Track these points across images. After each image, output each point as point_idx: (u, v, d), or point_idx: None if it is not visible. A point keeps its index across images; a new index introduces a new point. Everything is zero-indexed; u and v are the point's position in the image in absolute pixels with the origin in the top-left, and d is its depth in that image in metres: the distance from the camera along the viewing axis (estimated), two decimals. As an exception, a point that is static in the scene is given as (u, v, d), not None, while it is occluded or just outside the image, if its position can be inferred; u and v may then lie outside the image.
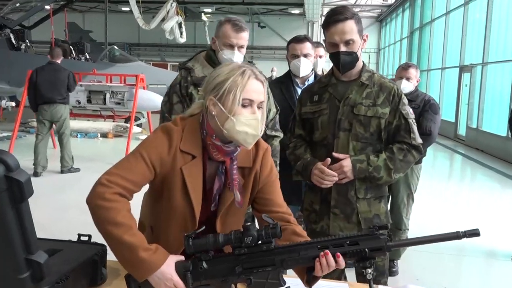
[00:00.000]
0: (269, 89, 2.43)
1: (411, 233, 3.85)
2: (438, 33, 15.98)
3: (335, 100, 2.13)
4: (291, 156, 2.27)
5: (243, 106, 1.43)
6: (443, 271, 4.08)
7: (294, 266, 1.37)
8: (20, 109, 8.17)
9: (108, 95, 8.67)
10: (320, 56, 3.65)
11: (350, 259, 1.35)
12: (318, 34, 27.03)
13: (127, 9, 26.69)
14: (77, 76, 9.13)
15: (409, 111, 2.14)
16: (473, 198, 6.98)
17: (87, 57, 12.72)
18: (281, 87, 3.03)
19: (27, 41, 12.17)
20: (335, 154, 2.07)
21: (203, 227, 1.37)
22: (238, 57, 2.41)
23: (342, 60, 2.05)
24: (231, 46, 2.40)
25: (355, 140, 2.10)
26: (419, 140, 2.14)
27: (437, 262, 4.17)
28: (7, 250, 1.07)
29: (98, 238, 1.61)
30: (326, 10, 25.63)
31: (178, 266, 1.36)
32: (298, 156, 2.22)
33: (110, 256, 1.54)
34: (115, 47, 13.20)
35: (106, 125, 11.23)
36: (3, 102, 10.80)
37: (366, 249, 1.31)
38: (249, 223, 1.33)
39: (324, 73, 4.10)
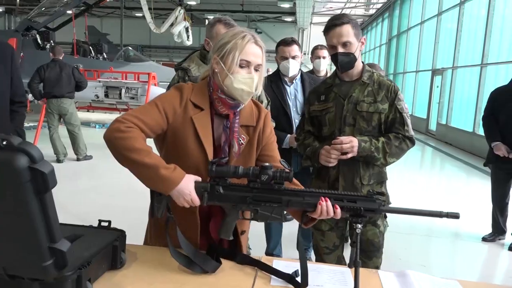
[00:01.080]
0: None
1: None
2: (414, 40, 15.87)
3: (340, 98, 2.12)
4: (301, 146, 2.25)
5: (241, 66, 1.44)
6: (419, 251, 4.03)
7: (297, 208, 1.39)
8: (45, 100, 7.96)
9: (123, 91, 8.52)
10: (324, 57, 3.61)
11: (346, 213, 1.37)
12: (308, 40, 26.88)
13: (140, 14, 26.42)
14: (95, 73, 9.00)
15: (403, 106, 2.12)
16: (442, 185, 6.94)
17: (105, 56, 12.51)
18: (272, 84, 2.97)
19: (51, 41, 11.93)
20: (339, 138, 2.03)
21: (227, 157, 1.45)
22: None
23: (340, 60, 2.03)
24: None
25: (359, 133, 2.07)
26: (411, 132, 2.13)
27: (412, 243, 4.12)
28: (31, 239, 0.97)
29: (117, 223, 1.52)
30: (315, 18, 25.50)
31: (198, 186, 1.36)
32: (307, 145, 2.20)
33: (129, 241, 1.46)
34: (130, 48, 13.01)
35: (121, 117, 11.06)
36: (30, 95, 10.60)
37: (362, 208, 1.35)
38: (267, 164, 1.35)
39: (328, 72, 4.09)
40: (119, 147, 1.33)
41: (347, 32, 2.00)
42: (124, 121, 1.35)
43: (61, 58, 6.69)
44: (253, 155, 1.56)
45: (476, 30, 10.52)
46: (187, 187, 1.34)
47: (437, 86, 12.67)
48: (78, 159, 6.86)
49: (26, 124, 9.99)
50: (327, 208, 1.34)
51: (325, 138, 2.16)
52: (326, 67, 3.75)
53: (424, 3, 14.66)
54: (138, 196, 2.88)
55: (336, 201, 1.36)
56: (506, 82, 4.16)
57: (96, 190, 5.34)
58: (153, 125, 1.41)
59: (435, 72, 12.95)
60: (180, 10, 15.60)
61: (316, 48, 3.68)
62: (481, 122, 4.31)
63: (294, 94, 2.95)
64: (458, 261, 3.91)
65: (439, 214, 1.36)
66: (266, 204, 1.37)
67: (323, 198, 1.35)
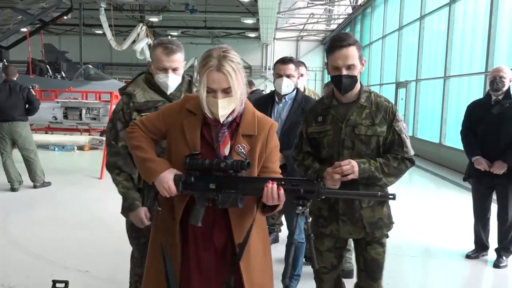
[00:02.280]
0: None
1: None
2: (376, 54, 16.16)
3: (338, 121, 2.09)
4: (300, 167, 2.23)
5: (208, 92, 1.59)
6: (404, 271, 3.87)
7: (250, 194, 1.59)
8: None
9: (84, 111, 8.05)
10: (302, 75, 3.66)
11: (290, 196, 1.54)
12: (271, 55, 27.02)
13: (100, 32, 25.72)
14: (53, 94, 8.50)
15: (402, 127, 2.10)
16: (411, 196, 6.87)
17: (63, 75, 11.93)
18: (267, 100, 3.06)
19: (4, 60, 11.28)
20: (337, 163, 2.02)
21: (199, 152, 1.63)
22: (172, 79, 2.17)
23: (344, 83, 2.01)
24: (165, 70, 2.14)
25: (357, 157, 2.04)
26: (411, 153, 2.10)
27: (396, 264, 3.95)
28: None
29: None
30: (278, 33, 25.70)
31: (176, 177, 1.61)
32: (307, 166, 2.17)
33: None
34: (90, 66, 12.52)
35: (82, 139, 10.50)
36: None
37: (302, 189, 1.53)
38: (228, 155, 1.61)
39: (305, 90, 4.05)
40: (128, 144, 1.75)
41: (353, 54, 1.98)
42: (132, 124, 1.76)
43: (14, 78, 6.22)
44: (254, 164, 1.65)
45: (437, 44, 10.78)
46: (166, 177, 1.60)
47: (402, 99, 12.86)
48: (35, 187, 6.29)
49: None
50: (271, 191, 1.52)
51: (324, 160, 2.13)
52: (303, 84, 3.82)
53: (385, 18, 14.99)
54: (100, 226, 2.59)
55: (280, 184, 1.54)
56: (469, 94, 4.14)
57: (54, 221, 4.89)
58: (152, 128, 1.71)
59: (399, 85, 13.16)
60: (142, 26, 15.27)
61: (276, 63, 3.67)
62: (447, 134, 4.26)
63: (280, 112, 2.92)
64: (443, 280, 3.75)
65: (375, 195, 1.76)
66: (226, 191, 1.58)
67: (270, 182, 1.53)
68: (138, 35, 15.11)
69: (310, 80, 27.58)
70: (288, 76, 2.87)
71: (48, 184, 6.41)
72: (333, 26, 24.23)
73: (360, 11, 18.29)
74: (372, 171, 2.00)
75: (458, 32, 9.67)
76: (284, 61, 2.92)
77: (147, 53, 15.80)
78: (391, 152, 2.07)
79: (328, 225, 2.15)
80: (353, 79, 2.01)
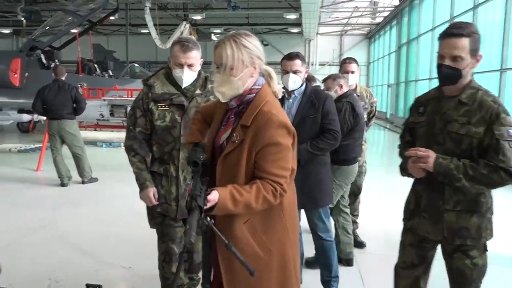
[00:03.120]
0: None
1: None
2: (425, 47, 15.48)
3: (434, 114, 1.99)
4: (401, 156, 2.15)
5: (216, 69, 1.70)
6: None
7: None
8: (47, 122, 7.69)
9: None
10: (353, 72, 3.80)
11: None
12: (314, 51, 26.63)
13: (146, 31, 26.40)
14: (100, 92, 8.73)
15: (505, 133, 1.84)
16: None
17: (110, 74, 12.27)
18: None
19: (56, 60, 11.74)
20: (415, 148, 1.94)
21: (198, 141, 1.79)
22: (187, 75, 2.36)
23: (443, 73, 1.89)
24: (181, 65, 2.34)
25: (446, 154, 1.91)
26: (510, 164, 1.83)
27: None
28: None
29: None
30: (321, 28, 25.27)
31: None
32: (404, 157, 2.10)
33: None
34: (135, 64, 12.79)
35: (128, 135, 10.80)
36: (35, 116, 10.38)
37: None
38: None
39: (357, 87, 4.00)
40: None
41: (462, 46, 1.84)
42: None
43: (63, 78, 6.44)
44: (243, 156, 1.60)
45: (492, 35, 10.14)
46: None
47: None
48: (83, 182, 6.51)
49: (31, 146, 9.76)
50: None
51: None
52: (355, 81, 3.85)
53: (434, 9, 14.32)
54: (145, 223, 2.63)
55: None
56: None
57: (100, 217, 4.99)
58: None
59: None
60: (185, 24, 15.51)
61: (344, 62, 3.88)
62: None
63: (290, 108, 2.89)
64: None
65: None
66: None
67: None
68: (182, 33, 15.34)
69: (355, 75, 27.00)
70: (295, 72, 2.85)
71: (95, 180, 6.60)
72: (379, 20, 23.51)
73: (407, 3, 17.59)
74: (450, 168, 1.84)
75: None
76: (290, 57, 2.90)
77: (190, 50, 16.04)
78: (486, 157, 1.86)
79: (411, 218, 2.11)
80: (456, 72, 1.85)
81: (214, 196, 1.51)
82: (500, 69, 9.30)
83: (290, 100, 2.92)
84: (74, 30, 12.66)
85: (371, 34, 26.51)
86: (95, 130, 11.54)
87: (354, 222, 4.08)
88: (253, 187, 1.57)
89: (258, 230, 1.65)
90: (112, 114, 8.42)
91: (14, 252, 3.88)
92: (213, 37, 24.65)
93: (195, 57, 2.35)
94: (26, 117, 10.28)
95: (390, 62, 21.42)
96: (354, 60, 3.93)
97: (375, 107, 4.22)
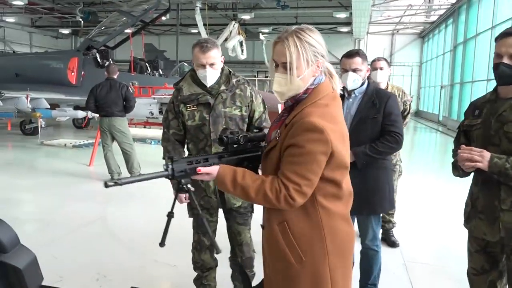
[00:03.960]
0: (253, 93, 2.58)
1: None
2: (483, 46, 14.66)
3: (490, 116, 1.96)
4: (454, 157, 2.10)
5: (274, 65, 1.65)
6: None
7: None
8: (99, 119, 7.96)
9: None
10: (381, 68, 3.83)
11: None
12: (364, 50, 25.93)
13: (195, 31, 26.84)
14: (150, 90, 8.94)
15: None
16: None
17: (161, 73, 12.57)
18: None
19: (110, 59, 12.19)
20: (469, 147, 1.92)
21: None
22: (210, 73, 2.43)
23: (501, 71, 1.86)
24: (202, 65, 2.42)
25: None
26: None
27: None
28: None
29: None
30: (372, 27, 24.61)
31: None
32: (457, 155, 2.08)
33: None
34: (185, 63, 13.01)
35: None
36: (89, 113, 10.81)
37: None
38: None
39: (388, 87, 3.96)
40: None
41: None
42: None
43: (115, 76, 6.62)
44: (276, 153, 1.55)
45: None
46: None
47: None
48: None
49: (85, 141, 10.17)
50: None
51: None
52: (383, 79, 3.87)
53: (495, 7, 13.52)
54: (191, 221, 2.67)
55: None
56: None
57: (147, 213, 5.08)
58: None
59: None
60: (234, 24, 15.57)
61: (373, 60, 3.89)
62: None
63: (349, 108, 2.76)
64: None
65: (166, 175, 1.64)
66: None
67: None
68: (231, 32, 15.45)
69: (406, 76, 26.10)
70: (354, 70, 2.71)
71: None
72: (433, 18, 22.57)
73: (465, 0, 16.74)
74: (506, 168, 1.80)
75: None
76: (350, 54, 2.78)
77: (239, 50, 16.13)
78: None
79: (469, 221, 2.08)
80: None
81: (210, 169, 1.58)
82: None
83: (350, 100, 2.78)
84: (127, 30, 13.07)
85: (425, 33, 25.51)
86: (144, 127, 11.85)
87: (390, 222, 4.12)
88: (259, 179, 1.53)
89: (292, 235, 1.56)
90: (161, 112, 8.58)
91: (66, 244, 4.01)
92: (261, 36, 24.65)
93: (215, 56, 2.43)
94: (81, 113, 10.72)
95: (444, 62, 20.51)
96: (384, 59, 4.00)
97: (410, 105, 4.23)
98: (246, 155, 1.75)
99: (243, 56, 16.27)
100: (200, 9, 15.20)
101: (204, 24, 15.54)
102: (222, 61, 2.50)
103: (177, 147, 2.59)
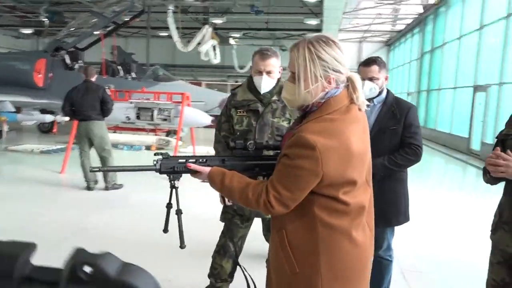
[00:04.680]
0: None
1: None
2: (450, 55, 15.19)
3: None
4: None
5: None
6: None
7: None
8: (74, 123, 7.59)
9: (156, 112, 8.09)
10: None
11: None
12: (333, 57, 26.39)
13: (164, 34, 26.45)
14: (127, 94, 8.65)
15: None
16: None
17: (134, 76, 12.22)
18: None
19: (80, 61, 11.74)
20: (500, 152, 1.88)
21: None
22: (265, 81, 2.49)
23: None
24: (260, 72, 2.49)
25: None
26: None
27: None
28: None
29: None
30: (340, 35, 25.04)
31: None
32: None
33: None
34: (158, 67, 12.73)
35: (150, 139, 10.71)
36: (58, 117, 10.35)
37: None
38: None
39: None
40: None
41: None
42: None
43: (93, 79, 6.31)
44: None
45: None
46: None
47: (479, 103, 11.94)
48: (106, 188, 6.32)
49: (53, 147, 9.70)
50: None
51: None
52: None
53: (462, 18, 14.04)
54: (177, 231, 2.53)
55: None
56: None
57: (129, 223, 4.85)
58: None
59: (477, 88, 12.24)
60: (208, 28, 15.39)
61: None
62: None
63: (368, 117, 2.61)
64: None
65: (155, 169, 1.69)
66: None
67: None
68: (204, 36, 15.26)
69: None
70: (371, 79, 2.65)
71: (120, 186, 6.42)
72: (400, 27, 23.24)
73: (432, 10, 17.32)
74: None
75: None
76: (367, 63, 2.71)
77: (212, 54, 15.95)
78: None
79: (495, 232, 2.05)
80: None
81: (201, 168, 1.64)
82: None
83: (369, 109, 2.73)
84: (98, 32, 12.65)
85: (391, 42, 26.23)
86: (114, 132, 11.49)
87: None
88: (246, 182, 1.55)
89: (288, 244, 1.52)
90: (138, 117, 8.30)
91: (44, 260, 3.74)
92: (231, 41, 24.58)
93: (274, 64, 2.50)
94: (49, 117, 10.25)
95: (411, 70, 21.14)
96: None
97: None
98: (259, 162, 1.73)
99: (216, 61, 16.14)
100: (173, 12, 14.93)
101: (177, 28, 15.28)
102: (280, 72, 2.55)
103: (226, 149, 2.58)
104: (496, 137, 2.17)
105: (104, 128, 6.38)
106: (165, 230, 1.83)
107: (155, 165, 1.64)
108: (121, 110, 8.28)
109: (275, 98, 2.52)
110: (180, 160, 1.67)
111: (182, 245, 1.78)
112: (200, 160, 1.69)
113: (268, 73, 2.48)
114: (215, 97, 11.16)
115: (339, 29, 22.03)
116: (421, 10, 18.61)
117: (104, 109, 6.27)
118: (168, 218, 1.80)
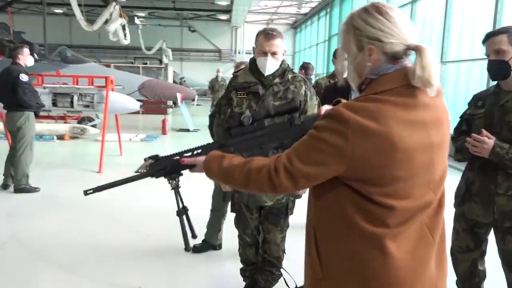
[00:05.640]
0: (309, 92, 2.56)
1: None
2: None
3: (492, 106, 2.17)
4: (454, 143, 2.30)
5: None
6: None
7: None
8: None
9: (76, 98, 7.26)
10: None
11: None
12: (241, 39, 26.45)
13: (59, 11, 24.11)
14: (40, 78, 7.63)
15: None
16: None
17: (36, 58, 10.86)
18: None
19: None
20: (484, 132, 2.08)
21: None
22: (270, 62, 2.44)
23: (490, 67, 2.14)
24: (264, 53, 2.44)
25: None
26: None
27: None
28: None
29: None
30: (249, 16, 25.13)
31: None
32: (458, 141, 2.28)
33: None
34: (65, 47, 11.50)
35: (62, 127, 9.68)
36: None
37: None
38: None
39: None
40: None
41: (500, 40, 2.08)
42: None
43: (22, 63, 5.39)
44: None
45: (432, 29, 10.75)
46: None
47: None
48: (14, 190, 5.27)
49: None
50: None
51: None
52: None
53: (368, 2, 14.85)
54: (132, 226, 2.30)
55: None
56: (467, 81, 4.29)
57: (68, 226, 4.32)
58: None
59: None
60: (115, 6, 14.29)
61: None
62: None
63: None
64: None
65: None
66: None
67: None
68: (111, 15, 14.14)
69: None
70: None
71: (36, 189, 5.33)
72: (305, 10, 23.97)
73: (338, -6, 18.10)
74: (505, 159, 2.01)
75: (457, 18, 9.65)
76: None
77: (121, 34, 14.88)
78: None
79: (463, 204, 2.27)
80: (502, 64, 2.06)
81: (196, 159, 1.50)
82: (440, 62, 9.87)
83: (357, 94, 2.69)
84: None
85: (297, 24, 27.00)
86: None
87: None
88: (250, 158, 1.37)
89: (315, 245, 1.33)
90: (55, 104, 7.39)
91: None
92: (136, 20, 23.24)
93: (279, 45, 2.44)
94: None
95: (318, 53, 21.98)
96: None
97: None
98: (265, 132, 1.54)
99: (126, 41, 15.05)
100: (75, -13, 13.55)
101: (79, 5, 13.93)
102: (283, 54, 2.50)
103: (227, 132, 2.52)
104: (460, 117, 2.38)
105: (24, 119, 5.39)
106: (186, 245, 1.60)
107: (145, 170, 1.54)
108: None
109: (277, 80, 2.50)
110: (174, 158, 1.53)
111: (187, 248, 1.61)
112: (195, 152, 1.54)
113: (273, 54, 2.43)
114: (135, 80, 10.43)
115: (249, 10, 22.08)
116: (327, -6, 19.35)
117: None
118: (184, 228, 1.58)
